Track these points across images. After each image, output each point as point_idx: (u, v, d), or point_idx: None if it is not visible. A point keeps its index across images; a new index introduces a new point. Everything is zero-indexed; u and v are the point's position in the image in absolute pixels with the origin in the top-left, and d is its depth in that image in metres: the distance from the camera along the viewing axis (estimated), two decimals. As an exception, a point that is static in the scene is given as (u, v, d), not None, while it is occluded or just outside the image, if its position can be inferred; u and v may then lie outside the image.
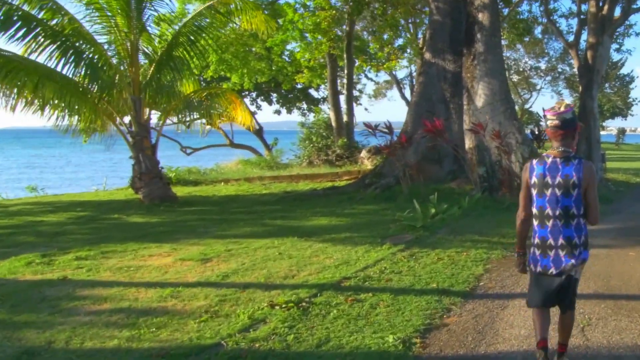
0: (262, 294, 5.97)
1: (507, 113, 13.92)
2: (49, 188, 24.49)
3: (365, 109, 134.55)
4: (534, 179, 3.83)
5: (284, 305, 5.45)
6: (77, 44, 12.67)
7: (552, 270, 3.81)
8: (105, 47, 13.50)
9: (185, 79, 15.61)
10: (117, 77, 13.34)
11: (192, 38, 14.07)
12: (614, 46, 25.84)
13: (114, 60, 13.74)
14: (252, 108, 36.50)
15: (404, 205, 11.61)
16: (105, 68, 13.07)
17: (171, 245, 8.71)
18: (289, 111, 35.52)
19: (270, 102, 36.19)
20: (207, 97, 15.32)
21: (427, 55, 15.71)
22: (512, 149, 13.44)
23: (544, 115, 3.86)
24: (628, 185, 17.78)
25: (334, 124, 23.59)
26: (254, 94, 34.98)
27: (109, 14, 13.08)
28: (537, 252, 3.89)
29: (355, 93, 38.45)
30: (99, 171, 37.16)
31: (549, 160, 3.80)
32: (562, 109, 3.76)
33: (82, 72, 12.62)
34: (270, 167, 23.36)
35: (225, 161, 28.72)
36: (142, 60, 14.46)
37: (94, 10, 12.93)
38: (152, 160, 13.66)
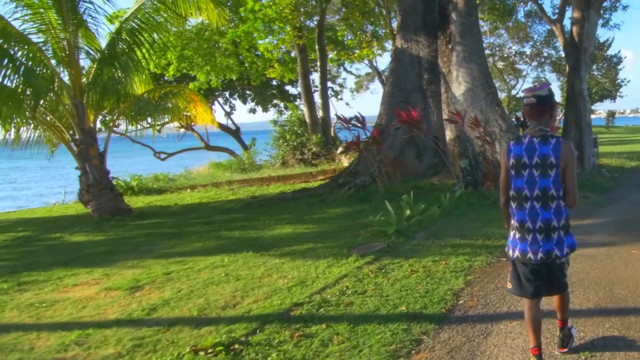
0: (189, 333, 4.93)
1: (488, 99, 12.93)
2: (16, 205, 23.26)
3: (347, 104, 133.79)
4: (512, 160, 3.77)
5: (210, 350, 4.41)
6: (5, 46, 11.46)
7: (530, 256, 3.73)
8: (42, 47, 12.28)
9: (137, 78, 14.40)
10: (55, 80, 12.14)
11: (137, 33, 12.89)
12: (601, 21, 24.82)
13: (53, 62, 12.55)
14: (226, 108, 35.50)
15: (379, 206, 10.60)
16: (40, 71, 11.87)
17: (105, 269, 7.63)
18: (265, 109, 34.37)
19: (244, 101, 35.04)
20: (162, 97, 14.21)
21: (399, 40, 14.66)
22: (496, 138, 12.48)
23: (522, 96, 3.89)
24: (623, 171, 16.87)
25: (308, 120, 22.50)
26: (227, 94, 33.81)
27: (42, 10, 11.90)
28: (517, 236, 3.81)
29: (336, 87, 37.51)
30: (73, 183, 35.62)
31: (526, 140, 3.73)
32: (538, 86, 3.80)
33: (15, 78, 11.44)
34: (243, 169, 22.25)
35: (199, 165, 27.55)
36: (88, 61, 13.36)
37: (23, 7, 11.75)
38: (100, 170, 12.53)
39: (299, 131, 22.34)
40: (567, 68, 17.10)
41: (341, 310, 5.33)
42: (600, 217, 9.90)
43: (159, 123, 21.13)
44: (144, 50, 13.20)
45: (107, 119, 14.23)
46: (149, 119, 16.31)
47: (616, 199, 11.79)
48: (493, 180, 11.88)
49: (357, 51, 23.21)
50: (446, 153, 13.28)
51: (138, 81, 14.43)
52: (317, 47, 22.57)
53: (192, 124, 24.56)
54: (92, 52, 13.05)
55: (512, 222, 3.84)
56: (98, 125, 15.21)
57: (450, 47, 13.40)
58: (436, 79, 13.91)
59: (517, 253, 3.80)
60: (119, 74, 13.35)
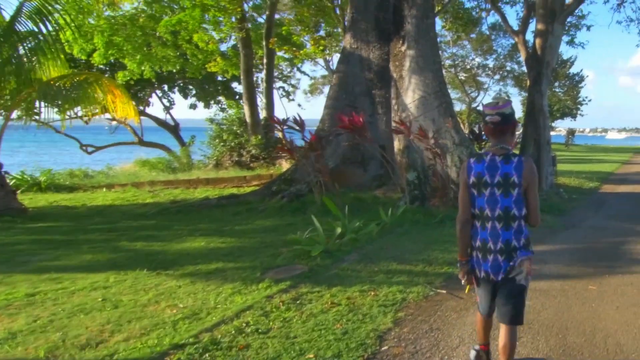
0: (20, 384, 3.88)
1: (441, 109, 12.26)
2: None
3: (299, 105, 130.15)
4: (472, 179, 3.75)
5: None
6: None
7: (492, 277, 3.74)
8: None
9: (50, 63, 13.19)
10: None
11: (46, 11, 11.68)
12: (566, 38, 24.74)
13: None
14: (165, 102, 34.16)
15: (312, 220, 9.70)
16: None
17: (-43, 285, 6.44)
18: (207, 105, 33.15)
19: (185, 96, 33.73)
20: (75, 85, 12.95)
21: (349, 40, 13.83)
22: (447, 151, 11.81)
23: (483, 112, 3.83)
24: (581, 192, 16.51)
25: (248, 119, 21.42)
26: (165, 86, 32.45)
27: None
28: (480, 256, 3.79)
29: (288, 88, 36.63)
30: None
31: (487, 158, 3.72)
32: (501, 103, 3.75)
33: None
34: (172, 169, 21.02)
35: (128, 161, 26.06)
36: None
37: None
38: (-10, 163, 11.23)
39: (238, 131, 21.23)
40: (528, 81, 16.67)
41: (232, 357, 4.39)
42: (555, 243, 9.29)
43: (72, 114, 19.87)
44: (65, 33, 11.97)
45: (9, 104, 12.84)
46: (78, 109, 15.07)
47: (573, 223, 11.25)
48: (442, 196, 11.20)
49: (307, 48, 22.21)
50: (393, 164, 12.54)
51: (51, 66, 13.24)
52: (264, 43, 21.61)
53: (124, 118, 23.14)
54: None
55: (476, 242, 3.80)
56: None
57: (403, 50, 12.69)
58: (387, 83, 13.18)
59: (482, 273, 3.81)
60: (26, 56, 12.15)
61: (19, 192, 15.80)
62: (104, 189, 16.09)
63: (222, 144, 21.21)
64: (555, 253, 8.47)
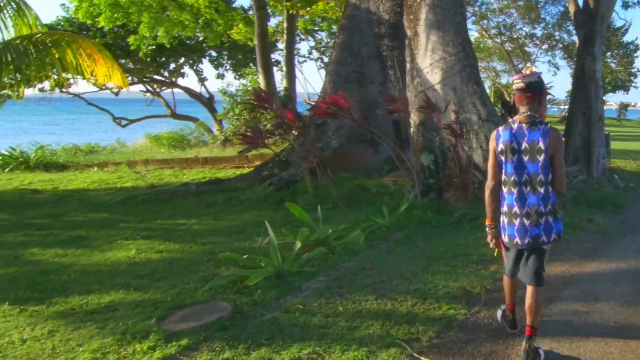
0: None
1: (464, 74, 9.36)
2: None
3: None
4: (501, 146, 3.72)
5: None
6: None
7: (517, 240, 3.72)
8: None
9: (19, 22, 11.24)
10: None
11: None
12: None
13: None
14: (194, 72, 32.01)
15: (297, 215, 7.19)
16: None
17: None
18: (241, 76, 30.65)
19: (217, 66, 31.35)
20: (42, 46, 10.80)
21: (355, -11, 11.00)
22: (471, 128, 9.05)
23: (512, 81, 3.83)
24: (640, 178, 13.09)
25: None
26: (194, 57, 30.12)
27: None
28: (505, 220, 3.78)
29: (325, 59, 33.74)
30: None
31: (515, 126, 3.69)
32: (528, 72, 3.76)
33: None
34: (185, 144, 18.81)
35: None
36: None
37: None
38: None
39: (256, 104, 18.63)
40: (577, 42, 13.36)
41: None
42: (610, 260, 6.44)
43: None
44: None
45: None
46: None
47: (634, 226, 8.22)
48: (460, 187, 8.51)
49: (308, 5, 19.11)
50: (407, 144, 9.87)
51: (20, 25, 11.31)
52: (284, 3, 18.96)
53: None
54: None
55: (502, 207, 3.79)
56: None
57: (419, 0, 9.84)
58: (400, 43, 10.37)
59: (505, 238, 3.80)
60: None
61: (6, 170, 14.02)
62: (95, 168, 13.98)
63: (235, 117, 18.78)
64: (610, 278, 5.72)
